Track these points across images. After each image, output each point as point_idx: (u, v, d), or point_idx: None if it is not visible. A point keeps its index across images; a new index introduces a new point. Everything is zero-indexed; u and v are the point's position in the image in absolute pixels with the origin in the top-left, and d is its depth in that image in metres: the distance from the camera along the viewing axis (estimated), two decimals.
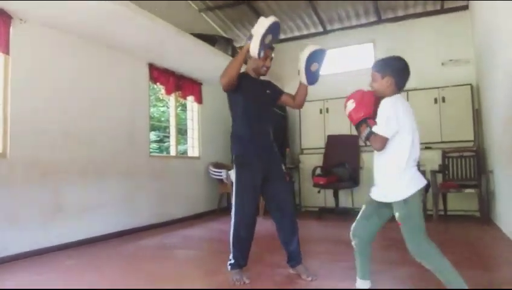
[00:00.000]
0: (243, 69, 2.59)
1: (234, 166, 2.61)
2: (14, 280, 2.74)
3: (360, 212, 2.16)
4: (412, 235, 1.94)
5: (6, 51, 3.38)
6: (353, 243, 2.16)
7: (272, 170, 2.62)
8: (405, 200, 1.91)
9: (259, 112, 2.63)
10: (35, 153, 3.58)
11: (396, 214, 1.95)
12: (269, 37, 2.44)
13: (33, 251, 3.44)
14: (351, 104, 2.04)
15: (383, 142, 1.92)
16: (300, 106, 2.79)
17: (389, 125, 1.90)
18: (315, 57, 2.55)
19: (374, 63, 2.09)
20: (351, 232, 2.17)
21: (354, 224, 2.17)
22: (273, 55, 2.68)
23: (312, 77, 2.60)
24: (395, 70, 2.00)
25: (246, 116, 2.60)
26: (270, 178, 2.60)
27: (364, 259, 2.16)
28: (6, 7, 3.33)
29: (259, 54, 2.42)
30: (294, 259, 2.63)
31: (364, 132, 1.97)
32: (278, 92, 2.78)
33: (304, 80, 2.59)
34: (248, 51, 2.44)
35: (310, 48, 2.53)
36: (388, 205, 2.00)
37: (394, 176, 1.95)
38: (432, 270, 1.91)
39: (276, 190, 2.62)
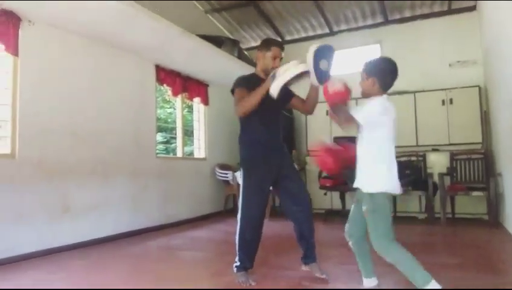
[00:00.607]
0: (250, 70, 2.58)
1: (241, 169, 2.61)
2: (21, 280, 2.76)
3: (350, 212, 2.21)
4: (374, 232, 1.96)
5: (15, 53, 3.41)
6: (349, 243, 2.19)
7: (284, 170, 2.62)
8: (371, 195, 1.96)
9: (268, 115, 2.61)
10: (43, 154, 3.60)
11: (364, 207, 2.00)
12: (294, 80, 2.40)
13: (41, 251, 3.47)
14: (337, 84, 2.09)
15: (349, 120, 1.96)
16: (310, 111, 2.72)
17: (366, 116, 1.94)
18: (323, 54, 2.39)
19: (364, 63, 2.12)
20: (345, 234, 2.20)
21: (346, 225, 2.21)
22: (283, 55, 2.65)
23: (322, 75, 2.38)
24: (380, 72, 2.02)
25: (255, 119, 2.58)
26: (283, 177, 2.61)
27: (364, 257, 2.17)
28: (15, 9, 3.36)
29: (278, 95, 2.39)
30: (310, 256, 2.63)
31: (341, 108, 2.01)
32: (288, 94, 2.72)
33: (314, 80, 2.38)
34: (268, 90, 2.37)
35: (314, 45, 2.38)
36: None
37: (368, 167, 2.02)
38: (394, 264, 1.93)
39: (292, 188, 2.61)
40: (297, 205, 2.60)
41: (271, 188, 2.66)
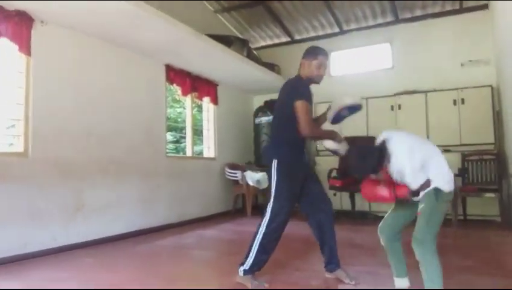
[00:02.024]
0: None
1: (276, 172, 2.50)
2: (33, 277, 2.80)
3: (388, 211, 2.22)
4: (425, 232, 1.96)
5: (28, 53, 3.46)
6: (381, 241, 2.17)
7: (308, 173, 2.63)
8: (436, 192, 1.97)
9: None
10: (56, 153, 3.65)
11: (421, 205, 2.00)
12: (345, 112, 2.55)
13: (53, 248, 3.51)
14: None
15: (427, 183, 2.01)
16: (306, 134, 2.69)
17: (415, 173, 1.99)
18: (351, 109, 2.56)
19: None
20: (378, 229, 2.20)
21: (381, 222, 2.21)
22: (328, 63, 2.69)
23: (337, 119, 2.61)
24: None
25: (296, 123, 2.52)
26: (308, 182, 2.60)
27: (396, 256, 2.16)
28: (28, 9, 3.41)
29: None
30: (333, 262, 2.60)
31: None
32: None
33: (330, 119, 2.60)
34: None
35: (351, 99, 2.52)
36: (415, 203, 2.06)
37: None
38: (420, 263, 1.95)
39: (315, 193, 2.61)
40: (320, 211, 2.59)
41: None
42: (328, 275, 2.63)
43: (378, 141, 2.09)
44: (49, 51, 3.67)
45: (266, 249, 2.48)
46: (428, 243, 1.93)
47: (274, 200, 2.48)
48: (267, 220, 2.47)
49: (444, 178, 1.99)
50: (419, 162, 1.96)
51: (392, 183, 2.05)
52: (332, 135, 2.52)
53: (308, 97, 2.49)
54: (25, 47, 3.43)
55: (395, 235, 2.13)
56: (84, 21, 3.71)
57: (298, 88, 2.53)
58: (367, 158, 2.00)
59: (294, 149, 2.55)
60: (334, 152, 2.57)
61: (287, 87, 2.60)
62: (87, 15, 3.57)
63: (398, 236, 2.14)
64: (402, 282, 2.18)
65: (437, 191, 1.96)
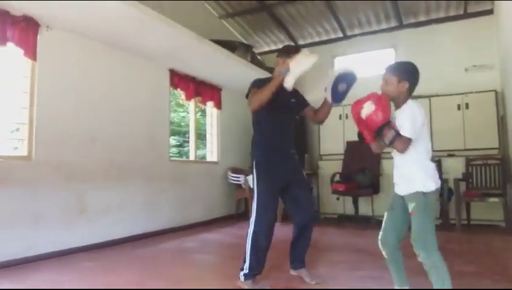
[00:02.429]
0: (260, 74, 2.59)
1: (255, 173, 2.58)
2: (35, 280, 2.81)
3: (384, 221, 2.16)
4: (421, 232, 1.92)
5: (34, 57, 3.50)
6: (384, 253, 2.14)
7: (294, 177, 2.62)
8: (424, 193, 1.92)
9: (282, 120, 2.63)
10: (59, 157, 3.68)
11: (412, 205, 1.95)
12: (342, 86, 2.52)
13: (56, 251, 3.53)
14: (369, 106, 1.99)
15: (407, 144, 1.93)
16: (321, 122, 2.79)
17: (414, 128, 1.92)
18: (344, 78, 2.54)
19: (390, 66, 2.09)
20: (379, 243, 2.15)
21: (380, 233, 2.15)
22: None
23: (337, 97, 2.57)
24: (412, 76, 2.02)
25: (270, 124, 2.61)
26: (292, 184, 2.61)
27: (397, 265, 2.14)
28: (34, 14, 3.45)
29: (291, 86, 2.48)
30: (298, 262, 2.68)
31: (389, 134, 1.94)
32: (303, 103, 2.77)
33: (329, 98, 2.56)
34: (281, 83, 2.44)
35: (341, 68, 2.55)
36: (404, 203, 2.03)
37: (415, 169, 1.97)
38: (427, 266, 1.90)
39: (298, 195, 2.63)
40: (301, 213, 2.62)
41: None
42: (292, 272, 2.71)
43: None
44: (54, 56, 3.71)
45: (258, 249, 2.49)
46: (430, 242, 1.90)
47: (256, 200, 2.53)
48: (253, 219, 2.51)
49: (430, 175, 1.96)
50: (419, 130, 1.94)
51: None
52: (278, 79, 2.43)
53: (257, 83, 2.57)
54: (31, 52, 3.47)
55: (396, 244, 2.11)
56: (88, 26, 3.75)
57: (251, 83, 2.61)
58: None
59: (268, 150, 2.59)
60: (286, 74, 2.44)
61: None
62: (91, 20, 3.61)
63: (398, 245, 2.11)
64: None
65: (425, 188, 1.93)
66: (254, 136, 2.70)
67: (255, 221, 2.50)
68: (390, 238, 2.10)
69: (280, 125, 2.61)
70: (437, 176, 1.99)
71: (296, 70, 2.41)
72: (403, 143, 1.93)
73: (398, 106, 2.06)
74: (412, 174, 1.97)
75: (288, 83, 2.43)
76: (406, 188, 1.99)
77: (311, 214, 2.65)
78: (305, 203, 2.63)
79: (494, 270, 2.98)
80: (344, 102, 2.63)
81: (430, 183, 1.93)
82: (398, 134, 1.93)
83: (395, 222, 2.08)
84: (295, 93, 2.73)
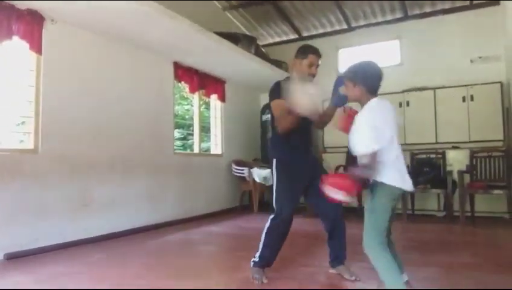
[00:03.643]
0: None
1: (274, 172, 2.61)
2: (42, 272, 2.86)
3: None
4: (368, 227, 1.93)
5: (39, 51, 3.52)
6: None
7: (315, 173, 2.58)
8: (376, 191, 1.90)
9: (302, 120, 2.50)
10: (65, 149, 3.71)
11: (368, 199, 1.97)
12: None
13: (61, 243, 3.57)
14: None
15: (371, 158, 1.85)
16: (320, 127, 2.78)
17: (371, 139, 1.84)
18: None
19: (345, 71, 2.06)
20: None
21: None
22: (320, 62, 2.62)
23: (338, 100, 2.48)
24: (364, 78, 1.98)
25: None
26: (315, 182, 2.58)
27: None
28: (39, 8, 3.46)
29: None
30: (336, 259, 2.64)
31: (362, 173, 1.89)
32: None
33: (331, 101, 2.52)
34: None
35: (340, 73, 2.50)
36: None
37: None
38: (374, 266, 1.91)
39: (322, 195, 2.59)
40: (327, 212, 2.60)
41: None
42: (331, 270, 2.67)
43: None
44: (59, 49, 3.72)
45: (269, 244, 2.54)
46: (375, 244, 1.89)
47: (276, 198, 2.56)
48: (272, 216, 2.56)
49: (394, 173, 1.90)
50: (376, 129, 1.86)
51: None
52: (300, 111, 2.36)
53: (278, 93, 2.51)
54: (36, 45, 3.49)
55: (388, 236, 2.11)
56: (93, 19, 3.76)
57: (272, 91, 2.60)
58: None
59: (288, 150, 2.58)
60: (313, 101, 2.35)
61: (269, 91, 2.65)
62: (96, 13, 3.61)
63: (387, 239, 2.11)
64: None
65: (382, 185, 1.88)
66: (273, 135, 2.70)
67: (272, 218, 2.55)
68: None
69: (300, 124, 2.51)
70: (398, 176, 1.91)
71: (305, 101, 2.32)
72: (369, 162, 1.86)
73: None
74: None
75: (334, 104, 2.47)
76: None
77: (338, 212, 2.61)
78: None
79: (497, 262, 2.99)
80: None
81: (383, 177, 1.89)
82: (362, 167, 1.88)
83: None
84: None
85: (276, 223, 2.52)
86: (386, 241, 1.99)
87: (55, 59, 3.67)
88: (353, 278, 2.51)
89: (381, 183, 1.90)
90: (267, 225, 2.56)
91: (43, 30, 3.56)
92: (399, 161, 1.94)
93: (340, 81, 2.49)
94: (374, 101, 1.96)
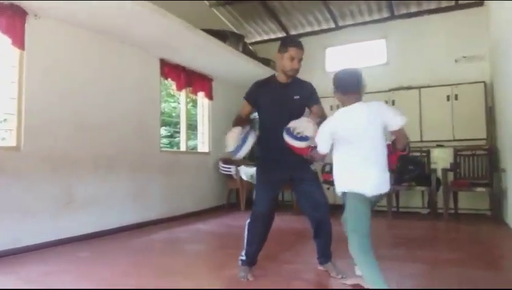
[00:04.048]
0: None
1: (255, 168, 2.71)
2: (28, 271, 2.81)
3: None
4: (349, 231, 2.01)
5: (22, 46, 3.44)
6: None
7: (298, 172, 2.59)
8: (343, 193, 2.10)
9: (277, 118, 2.52)
10: (48, 147, 3.64)
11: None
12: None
13: (45, 242, 3.51)
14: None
15: (321, 156, 2.20)
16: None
17: (321, 143, 2.13)
18: None
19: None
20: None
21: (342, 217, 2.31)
22: (302, 55, 2.55)
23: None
24: (338, 86, 2.17)
25: (264, 122, 2.68)
26: (299, 180, 2.60)
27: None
28: (22, 3, 3.39)
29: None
30: (322, 256, 2.65)
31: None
32: (310, 101, 2.65)
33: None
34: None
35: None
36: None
37: (337, 171, 2.20)
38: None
39: (307, 190, 2.61)
40: (313, 209, 2.61)
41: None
42: (319, 267, 2.69)
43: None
44: (42, 45, 3.65)
45: (251, 241, 2.59)
46: (356, 249, 1.94)
47: (255, 192, 2.62)
48: (252, 211, 2.61)
49: (355, 178, 2.03)
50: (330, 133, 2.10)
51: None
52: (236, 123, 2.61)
53: (247, 93, 2.77)
54: (19, 41, 3.41)
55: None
56: (77, 15, 3.69)
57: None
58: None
59: (267, 148, 2.63)
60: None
61: None
62: (80, 8, 3.54)
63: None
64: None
65: (344, 193, 2.08)
66: (259, 134, 2.73)
67: (251, 213, 2.60)
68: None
69: (277, 124, 2.48)
70: (356, 180, 2.03)
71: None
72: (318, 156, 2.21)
73: None
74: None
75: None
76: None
77: (324, 209, 2.61)
78: (316, 198, 2.59)
79: (480, 258, 3.05)
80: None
81: (342, 186, 2.11)
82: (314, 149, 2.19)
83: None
84: (302, 89, 2.63)
85: (254, 217, 2.57)
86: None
87: (38, 55, 3.60)
88: (339, 276, 2.52)
89: (343, 192, 2.10)
90: (246, 224, 2.62)
91: (26, 25, 3.48)
92: (364, 164, 2.01)
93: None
94: (341, 110, 2.14)
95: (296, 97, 2.60)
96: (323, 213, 2.61)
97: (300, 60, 2.54)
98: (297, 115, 2.52)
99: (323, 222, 2.61)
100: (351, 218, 2.03)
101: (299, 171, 2.60)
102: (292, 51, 2.51)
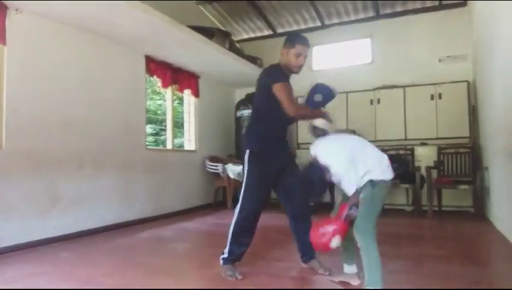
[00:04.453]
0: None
1: (247, 161, 2.55)
2: (12, 272, 2.74)
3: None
4: (364, 220, 2.04)
5: (3, 42, 3.35)
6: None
7: (286, 165, 2.60)
8: (372, 182, 2.06)
9: (282, 112, 2.49)
10: (31, 145, 3.56)
11: (361, 195, 2.09)
12: (319, 97, 2.50)
13: (29, 242, 3.44)
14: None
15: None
16: (295, 120, 2.82)
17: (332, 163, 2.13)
18: (322, 91, 2.52)
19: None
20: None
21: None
22: (307, 53, 2.58)
23: (313, 105, 2.54)
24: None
25: (273, 115, 2.52)
26: (285, 173, 2.59)
27: (348, 245, 2.28)
28: None
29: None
30: (307, 254, 2.63)
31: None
32: None
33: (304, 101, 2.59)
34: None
35: (323, 82, 2.56)
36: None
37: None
38: (361, 250, 2.03)
39: (290, 185, 2.59)
40: (293, 203, 2.60)
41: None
42: (304, 265, 2.67)
43: (310, 158, 2.26)
44: (24, 40, 3.56)
45: (238, 239, 2.52)
46: (370, 231, 2.02)
47: (245, 189, 2.52)
48: (238, 209, 2.52)
49: (377, 167, 2.09)
50: (347, 157, 2.09)
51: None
52: (320, 113, 2.46)
53: (285, 79, 2.51)
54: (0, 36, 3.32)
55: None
56: (60, 10, 3.61)
57: (272, 73, 2.53)
58: (315, 186, 2.25)
59: (267, 139, 2.56)
60: (323, 132, 2.42)
61: (262, 75, 2.60)
62: (64, 3, 3.46)
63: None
64: (351, 268, 2.33)
65: (372, 182, 2.05)
66: (252, 125, 2.66)
67: (240, 209, 2.51)
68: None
69: (281, 116, 2.49)
70: (386, 167, 2.12)
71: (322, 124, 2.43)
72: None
73: None
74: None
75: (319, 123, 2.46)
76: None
77: (304, 203, 2.61)
78: (297, 192, 2.58)
79: (463, 254, 3.10)
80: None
81: (377, 174, 2.08)
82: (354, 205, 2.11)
83: None
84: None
85: (244, 215, 2.49)
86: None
87: (19, 50, 3.51)
88: (327, 272, 2.52)
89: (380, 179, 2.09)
90: (234, 219, 2.53)
91: (6, 20, 3.39)
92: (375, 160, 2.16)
93: (316, 89, 2.53)
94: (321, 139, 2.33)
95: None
96: (304, 207, 2.61)
97: (305, 57, 2.57)
98: None
99: (304, 217, 2.60)
100: (378, 207, 2.10)
101: (289, 161, 2.62)
102: (299, 48, 2.51)
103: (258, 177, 2.52)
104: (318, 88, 2.53)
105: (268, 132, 2.56)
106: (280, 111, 2.45)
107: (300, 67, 2.57)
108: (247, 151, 2.57)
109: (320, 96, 2.52)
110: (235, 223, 2.53)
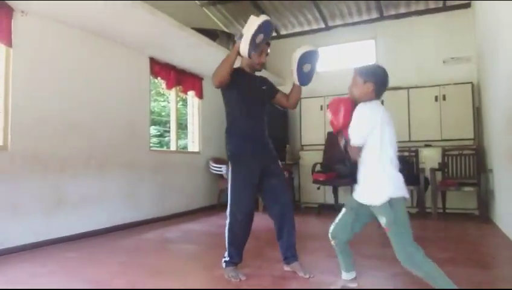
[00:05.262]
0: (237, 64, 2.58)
1: (230, 163, 2.59)
2: (19, 272, 2.76)
3: (339, 216, 2.18)
4: (400, 246, 1.91)
5: (9, 44, 3.38)
6: (332, 242, 2.19)
7: (268, 165, 2.60)
8: (390, 202, 1.89)
9: (253, 107, 2.61)
10: (37, 146, 3.59)
11: (382, 220, 1.93)
12: (260, 37, 2.41)
13: (34, 243, 3.46)
14: (329, 114, 2.07)
15: (355, 152, 1.97)
16: (293, 107, 2.80)
17: (358, 134, 1.94)
18: (308, 58, 2.56)
19: (358, 67, 2.07)
20: (329, 234, 2.19)
21: (333, 226, 2.18)
22: (268, 51, 2.65)
23: (304, 78, 2.61)
24: (378, 78, 2.01)
25: (240, 112, 2.59)
26: (267, 174, 2.59)
27: (345, 256, 2.22)
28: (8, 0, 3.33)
29: (249, 54, 2.41)
30: (289, 256, 2.61)
31: (341, 143, 2.04)
32: (273, 90, 2.78)
33: (296, 81, 2.60)
34: (238, 51, 2.43)
35: (301, 48, 2.53)
36: (367, 207, 2.01)
37: (377, 178, 1.96)
38: (422, 277, 1.89)
39: (273, 186, 2.60)
40: (277, 204, 2.60)
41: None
42: (285, 267, 2.65)
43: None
44: (30, 42, 3.59)
45: (233, 242, 2.54)
46: (414, 253, 1.87)
47: (230, 193, 2.54)
48: (228, 210, 2.54)
49: (395, 184, 1.94)
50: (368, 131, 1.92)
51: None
52: (235, 48, 2.46)
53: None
54: (5, 38, 3.35)
55: (345, 240, 2.16)
56: (66, 12, 3.64)
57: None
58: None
59: (242, 140, 2.58)
60: (258, 34, 2.37)
61: None
62: (69, 6, 3.49)
63: (347, 241, 2.17)
64: (350, 275, 2.25)
65: (390, 201, 1.90)
66: (227, 126, 2.68)
67: (230, 211, 2.53)
68: (339, 234, 2.14)
69: (252, 113, 2.58)
70: (401, 185, 1.95)
71: (246, 35, 2.36)
72: (351, 151, 1.97)
73: None
74: (375, 184, 1.96)
75: (242, 49, 2.39)
76: (369, 199, 1.98)
77: (287, 203, 2.61)
78: (280, 193, 2.60)
79: (468, 256, 3.09)
80: (324, 93, 2.66)
81: (394, 191, 1.91)
82: (347, 142, 1.96)
83: (348, 222, 2.11)
84: (264, 80, 2.75)
85: (231, 222, 2.52)
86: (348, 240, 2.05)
87: (26, 52, 3.54)
88: (307, 276, 2.49)
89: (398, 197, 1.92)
90: (227, 224, 2.55)
91: (13, 22, 3.42)
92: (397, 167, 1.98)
93: (303, 60, 2.53)
94: (370, 104, 1.97)
95: (263, 87, 2.69)
96: (288, 209, 2.60)
97: (267, 54, 2.65)
98: (265, 106, 2.69)
99: (287, 218, 2.59)
100: (406, 223, 1.91)
101: (270, 164, 2.62)
102: (261, 46, 2.54)
103: (241, 179, 2.53)
104: (301, 60, 2.53)
105: (242, 132, 2.58)
106: (245, 109, 2.56)
107: (262, 64, 2.66)
108: (228, 152, 2.60)
109: (309, 65, 2.58)
110: (227, 228, 2.55)
